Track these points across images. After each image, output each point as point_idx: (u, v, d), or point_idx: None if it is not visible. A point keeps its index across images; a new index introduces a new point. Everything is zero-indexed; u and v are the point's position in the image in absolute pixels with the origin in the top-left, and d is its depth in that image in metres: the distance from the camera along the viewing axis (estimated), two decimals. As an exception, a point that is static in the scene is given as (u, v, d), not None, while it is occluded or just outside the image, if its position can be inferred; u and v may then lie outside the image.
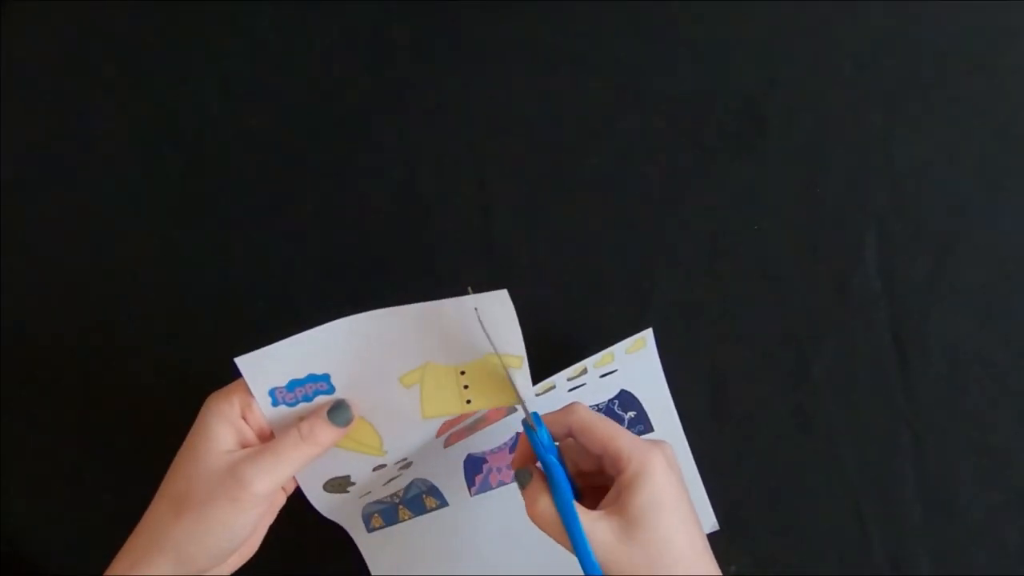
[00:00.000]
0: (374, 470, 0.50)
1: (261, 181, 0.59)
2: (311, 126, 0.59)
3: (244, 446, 0.46)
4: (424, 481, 0.55)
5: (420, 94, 0.59)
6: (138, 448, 0.59)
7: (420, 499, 0.55)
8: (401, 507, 0.55)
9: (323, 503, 0.51)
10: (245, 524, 0.44)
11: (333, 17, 0.60)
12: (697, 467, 0.56)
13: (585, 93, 0.58)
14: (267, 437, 0.47)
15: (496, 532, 0.56)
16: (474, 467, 0.55)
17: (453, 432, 0.52)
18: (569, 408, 0.46)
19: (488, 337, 0.46)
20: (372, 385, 0.47)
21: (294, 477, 0.48)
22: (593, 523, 0.43)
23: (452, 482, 0.55)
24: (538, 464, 0.46)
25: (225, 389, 0.47)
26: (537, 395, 0.50)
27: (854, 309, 0.56)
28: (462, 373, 0.47)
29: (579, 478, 0.47)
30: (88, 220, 0.60)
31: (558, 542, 0.44)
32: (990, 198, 0.56)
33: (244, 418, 0.46)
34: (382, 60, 0.59)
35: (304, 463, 0.45)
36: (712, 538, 0.55)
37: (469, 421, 0.51)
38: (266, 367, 0.45)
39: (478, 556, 0.56)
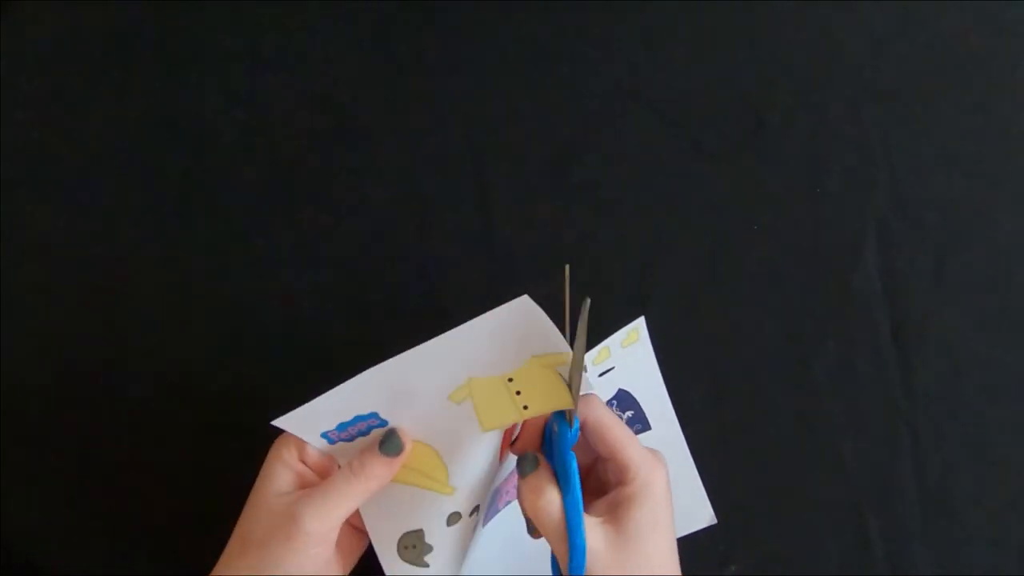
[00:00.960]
0: (448, 523, 0.47)
1: (261, 181, 0.59)
2: (311, 126, 0.59)
3: (304, 487, 0.46)
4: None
5: (420, 94, 0.59)
6: (138, 449, 0.59)
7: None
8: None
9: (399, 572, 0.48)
10: (303, 564, 0.44)
11: (333, 17, 0.60)
12: (697, 466, 0.56)
13: (585, 93, 0.58)
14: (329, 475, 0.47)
15: (494, 553, 0.53)
16: (492, 498, 0.52)
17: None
18: (586, 400, 0.45)
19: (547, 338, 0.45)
20: (422, 410, 0.46)
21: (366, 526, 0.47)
22: (589, 529, 0.42)
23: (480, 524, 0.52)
24: (541, 453, 0.45)
25: (285, 434, 0.47)
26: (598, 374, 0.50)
27: (854, 309, 0.56)
28: (510, 380, 0.45)
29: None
30: (88, 220, 0.60)
31: (547, 536, 0.43)
32: (990, 198, 0.56)
33: (303, 460, 0.47)
34: (382, 60, 0.59)
35: (360, 499, 0.44)
36: (712, 538, 0.55)
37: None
38: (308, 420, 0.45)
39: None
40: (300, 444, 0.46)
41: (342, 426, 0.46)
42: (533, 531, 0.45)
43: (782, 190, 0.57)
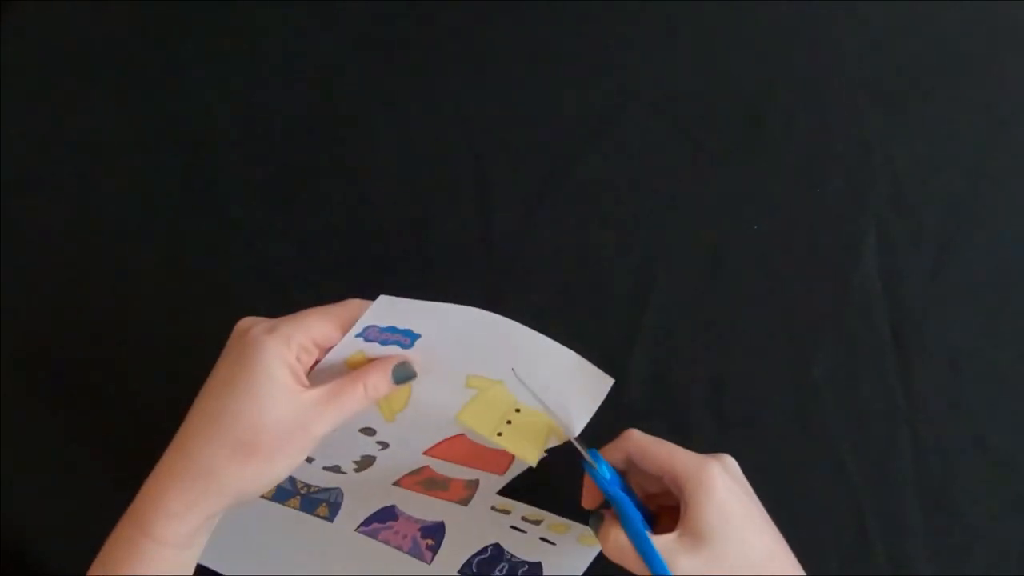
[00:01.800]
0: (360, 431, 0.49)
1: (261, 181, 0.59)
2: (311, 126, 0.59)
3: (293, 386, 0.44)
4: (340, 494, 0.54)
5: (420, 94, 0.59)
6: (139, 447, 0.59)
7: (317, 502, 0.54)
8: (301, 496, 0.54)
9: None
10: (294, 466, 0.44)
11: (333, 17, 0.60)
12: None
13: (585, 93, 0.58)
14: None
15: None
16: (384, 515, 0.55)
17: (410, 475, 0.52)
18: (624, 435, 0.47)
19: (550, 404, 0.47)
20: (443, 366, 0.47)
21: None
22: (667, 545, 0.42)
23: (356, 511, 0.54)
24: (607, 506, 0.46)
25: (278, 331, 0.44)
26: (494, 508, 0.53)
27: (854, 309, 0.56)
28: (517, 411, 0.48)
29: (649, 501, 0.47)
30: (88, 220, 0.60)
31: (633, 569, 0.44)
32: (990, 198, 0.56)
33: (298, 359, 0.45)
34: (382, 60, 0.59)
35: (358, 412, 0.45)
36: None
37: (436, 478, 0.52)
38: (390, 311, 0.45)
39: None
40: (302, 344, 0.44)
41: (394, 329, 0.46)
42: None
43: (782, 190, 0.57)
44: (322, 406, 0.43)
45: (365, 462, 0.52)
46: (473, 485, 0.53)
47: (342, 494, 0.54)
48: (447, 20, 0.59)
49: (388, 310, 0.45)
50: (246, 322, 0.46)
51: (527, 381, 0.47)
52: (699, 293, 0.57)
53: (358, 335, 0.46)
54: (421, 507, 0.54)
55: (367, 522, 0.55)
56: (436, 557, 0.55)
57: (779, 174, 0.57)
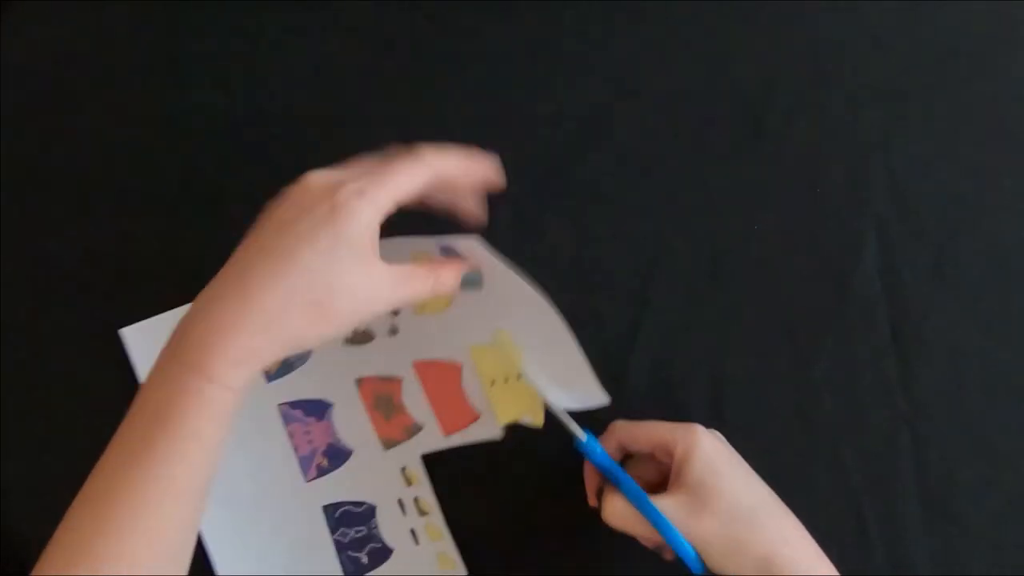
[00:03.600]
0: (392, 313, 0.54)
1: (261, 181, 0.59)
2: (311, 126, 0.59)
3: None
4: (305, 358, 0.56)
5: (420, 94, 0.59)
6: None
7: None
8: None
9: None
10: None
11: (333, 17, 0.60)
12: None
13: (585, 93, 0.58)
14: None
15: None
16: (314, 408, 0.56)
17: (378, 380, 0.55)
18: (610, 427, 0.51)
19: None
20: (485, 308, 0.52)
21: None
22: (661, 502, 0.46)
23: (299, 385, 0.56)
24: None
25: (368, 196, 0.43)
26: (403, 470, 0.55)
27: (854, 309, 0.56)
28: (517, 377, 0.53)
29: (647, 489, 0.49)
30: (88, 220, 0.60)
31: (638, 534, 0.47)
32: (990, 198, 0.56)
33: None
34: (382, 60, 0.59)
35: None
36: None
37: (394, 400, 0.55)
38: (469, 250, 0.49)
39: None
40: (385, 208, 0.44)
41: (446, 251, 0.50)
42: (646, 542, 0.49)
43: (782, 190, 0.57)
44: (393, 285, 0.44)
45: (362, 337, 0.55)
46: (412, 431, 0.55)
47: (307, 359, 0.56)
48: (448, 20, 0.59)
49: (469, 249, 0.48)
50: (323, 177, 0.45)
51: (539, 361, 0.52)
52: (699, 293, 0.57)
53: (440, 245, 0.50)
54: (349, 425, 0.55)
55: (295, 404, 0.56)
56: (316, 481, 0.56)
57: (779, 174, 0.57)
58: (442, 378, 0.55)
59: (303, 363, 0.56)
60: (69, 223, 0.60)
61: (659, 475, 0.49)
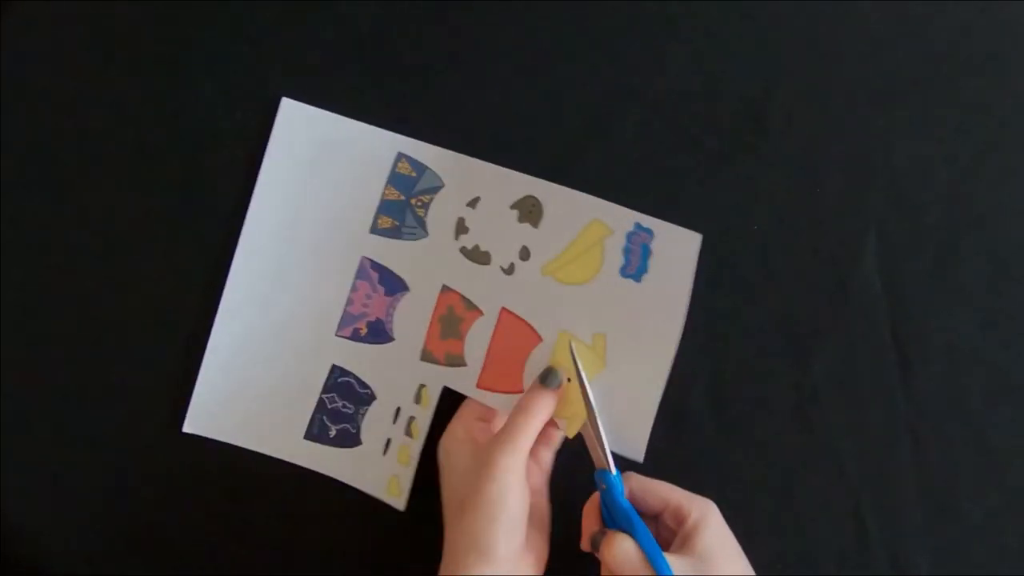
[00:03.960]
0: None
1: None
2: (311, 126, 0.59)
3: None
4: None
5: (420, 94, 0.59)
6: (140, 448, 0.59)
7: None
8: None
9: None
10: (503, 493, 0.48)
11: (333, 17, 0.60)
12: (697, 466, 0.56)
13: (585, 93, 0.58)
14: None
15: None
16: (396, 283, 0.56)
17: (462, 304, 0.55)
18: (625, 476, 0.52)
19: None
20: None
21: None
22: (671, 561, 0.47)
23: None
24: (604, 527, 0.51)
25: (446, 433, 0.54)
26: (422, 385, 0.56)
27: (854, 309, 0.56)
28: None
29: None
30: (88, 220, 0.60)
31: None
32: (990, 198, 0.56)
33: (472, 435, 0.53)
34: (382, 60, 0.59)
35: (537, 431, 0.50)
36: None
37: (463, 326, 0.55)
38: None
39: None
40: (463, 424, 0.53)
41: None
42: None
43: (782, 190, 0.57)
44: (496, 440, 0.50)
45: (480, 256, 0.55)
46: (453, 362, 0.55)
47: (418, 235, 0.56)
48: (447, 20, 0.59)
49: (681, 248, 0.53)
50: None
51: (614, 385, 0.53)
52: (699, 293, 0.57)
53: (637, 224, 0.53)
54: (407, 317, 0.56)
55: (377, 266, 0.56)
56: (345, 340, 0.56)
57: (779, 174, 0.57)
58: (517, 338, 0.54)
59: (412, 239, 0.56)
60: (69, 223, 0.60)
61: (651, 530, 0.51)
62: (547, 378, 0.52)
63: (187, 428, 0.57)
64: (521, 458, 0.49)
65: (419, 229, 0.56)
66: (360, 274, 0.56)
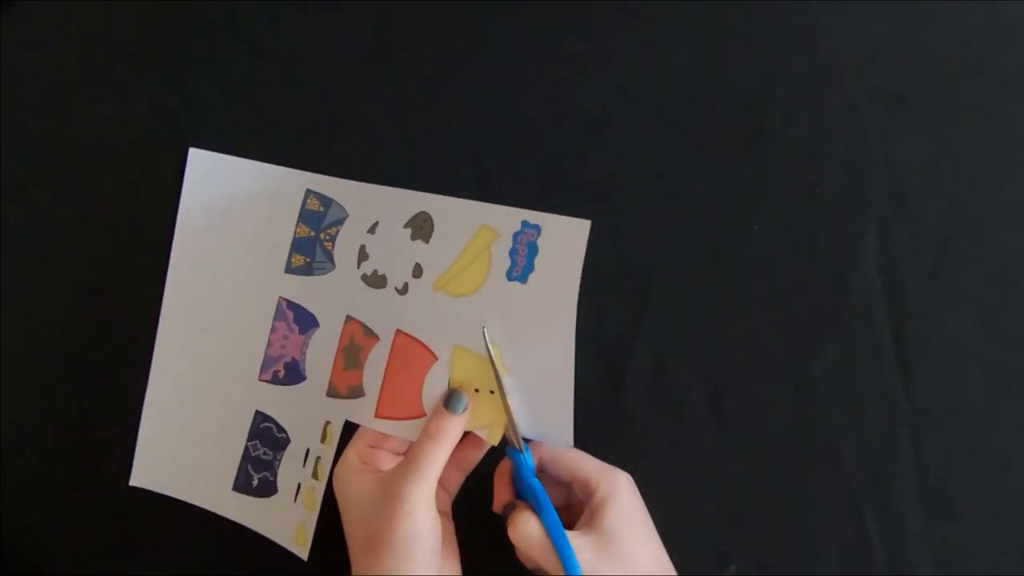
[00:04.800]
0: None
1: (261, 181, 0.59)
2: (311, 126, 0.59)
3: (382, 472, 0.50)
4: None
5: (420, 94, 0.59)
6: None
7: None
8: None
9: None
10: (416, 530, 0.46)
11: (333, 17, 0.60)
12: (697, 466, 0.56)
13: (585, 93, 0.58)
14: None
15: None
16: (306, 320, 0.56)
17: (362, 333, 0.54)
18: (536, 443, 0.51)
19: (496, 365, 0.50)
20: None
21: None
22: (574, 540, 0.46)
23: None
24: (516, 500, 0.50)
25: (339, 462, 0.51)
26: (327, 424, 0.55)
27: (854, 309, 0.56)
28: (490, 392, 0.50)
29: None
30: (88, 220, 0.60)
31: (538, 563, 0.47)
32: (990, 198, 0.56)
33: (366, 461, 0.51)
34: (382, 60, 0.59)
35: (445, 459, 0.48)
36: (712, 538, 0.55)
37: (361, 355, 0.54)
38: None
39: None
40: (356, 451, 0.51)
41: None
42: (530, 563, 0.49)
43: (782, 190, 0.57)
44: (400, 472, 0.48)
45: (377, 280, 0.54)
46: (353, 393, 0.54)
47: (327, 270, 0.55)
48: (448, 20, 0.59)
49: (569, 237, 0.49)
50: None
51: (522, 383, 0.50)
52: (699, 293, 0.57)
53: (524, 222, 0.50)
54: (317, 353, 0.55)
55: (292, 305, 0.56)
56: (265, 385, 0.56)
57: (779, 174, 0.57)
58: (412, 360, 0.53)
59: (322, 274, 0.55)
60: (69, 223, 0.60)
61: (562, 500, 0.50)
62: (451, 402, 0.50)
63: (133, 482, 0.57)
64: (430, 489, 0.47)
65: (327, 263, 0.55)
66: (277, 314, 0.56)
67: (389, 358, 0.53)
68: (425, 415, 0.51)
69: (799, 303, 0.56)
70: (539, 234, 0.50)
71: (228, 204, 0.56)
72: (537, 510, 0.48)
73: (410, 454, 0.48)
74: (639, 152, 0.58)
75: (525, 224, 0.50)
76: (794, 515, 0.56)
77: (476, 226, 0.52)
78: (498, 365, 0.50)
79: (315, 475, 0.54)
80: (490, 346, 0.50)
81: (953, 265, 0.56)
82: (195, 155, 0.57)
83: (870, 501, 0.55)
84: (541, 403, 0.50)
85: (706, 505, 0.56)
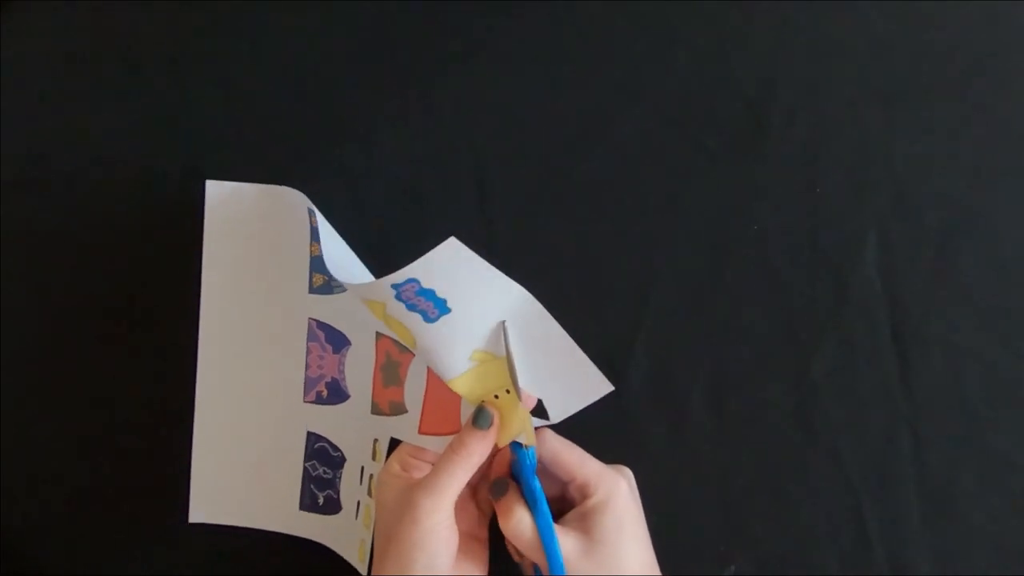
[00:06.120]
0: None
1: (261, 181, 0.59)
2: (311, 126, 0.59)
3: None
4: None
5: (420, 94, 0.59)
6: (140, 448, 0.59)
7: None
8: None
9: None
10: (427, 542, 0.47)
11: (333, 17, 0.60)
12: (697, 466, 0.56)
13: (585, 93, 0.58)
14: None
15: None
16: (336, 338, 0.55)
17: (398, 349, 0.53)
18: (539, 435, 0.50)
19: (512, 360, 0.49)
20: (457, 339, 0.48)
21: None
22: (562, 537, 0.46)
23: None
24: (510, 479, 0.49)
25: (384, 466, 0.52)
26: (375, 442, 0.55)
27: (854, 309, 0.56)
28: (507, 391, 0.49)
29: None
30: (88, 220, 0.60)
31: (525, 554, 0.47)
32: (990, 198, 0.56)
33: (406, 469, 0.51)
34: (382, 60, 0.59)
35: (469, 474, 0.48)
36: (712, 538, 0.55)
37: (400, 373, 0.53)
38: (448, 262, 0.45)
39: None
40: (399, 459, 0.51)
41: (431, 295, 0.46)
42: (516, 555, 0.50)
43: (782, 190, 0.57)
44: (422, 484, 0.48)
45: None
46: (396, 410, 0.54)
47: (345, 288, 0.53)
48: (447, 20, 0.59)
49: (447, 259, 0.44)
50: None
51: (531, 364, 0.49)
52: (699, 293, 0.57)
53: (395, 285, 0.45)
54: (355, 370, 0.55)
55: (322, 325, 0.56)
56: (311, 406, 0.56)
57: (779, 174, 0.57)
58: (442, 395, 0.52)
59: (341, 291, 0.54)
60: (69, 223, 0.60)
61: (557, 493, 0.50)
62: (478, 418, 0.49)
63: (193, 519, 0.57)
64: (445, 501, 0.47)
65: (340, 282, 0.53)
66: (310, 336, 0.56)
67: (429, 373, 0.52)
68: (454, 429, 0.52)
69: (799, 303, 0.56)
70: (419, 282, 0.46)
71: (249, 230, 0.56)
72: (532, 508, 0.47)
73: (435, 467, 0.48)
74: (639, 152, 0.58)
75: (395, 286, 0.46)
76: (794, 515, 0.56)
77: (363, 304, 0.50)
78: (495, 366, 0.50)
79: (370, 492, 0.55)
80: (508, 340, 0.49)
81: (953, 265, 0.56)
82: (212, 186, 0.57)
83: (870, 501, 0.55)
84: (558, 369, 0.50)
85: (706, 505, 0.56)
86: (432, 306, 0.46)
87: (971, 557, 0.54)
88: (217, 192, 0.57)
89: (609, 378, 0.54)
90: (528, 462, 0.49)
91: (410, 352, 0.52)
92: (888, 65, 0.57)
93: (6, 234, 0.60)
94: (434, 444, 0.52)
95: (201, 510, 0.57)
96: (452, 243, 0.44)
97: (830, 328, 0.56)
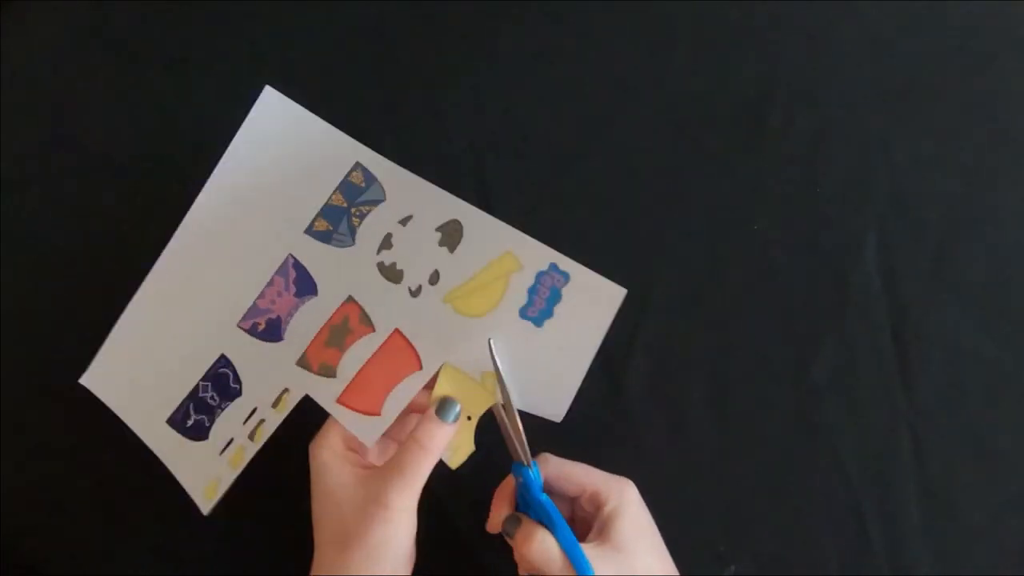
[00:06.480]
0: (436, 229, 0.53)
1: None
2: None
3: (364, 467, 0.50)
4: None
5: (420, 94, 0.59)
6: (139, 448, 0.59)
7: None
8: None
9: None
10: (400, 539, 0.47)
11: (333, 17, 0.60)
12: (697, 467, 0.56)
13: (585, 93, 0.58)
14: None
15: None
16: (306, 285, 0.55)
17: (357, 319, 0.53)
18: (541, 458, 0.50)
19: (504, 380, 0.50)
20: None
21: None
22: (588, 553, 0.46)
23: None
24: (519, 512, 0.49)
25: (322, 437, 0.51)
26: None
27: (854, 309, 0.56)
28: (468, 419, 0.50)
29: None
30: (88, 220, 0.60)
31: (555, 573, 0.46)
32: (990, 198, 0.56)
33: (352, 448, 0.50)
34: (382, 60, 0.59)
35: (430, 468, 0.48)
36: (712, 538, 0.55)
37: (352, 336, 0.53)
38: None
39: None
40: (344, 435, 0.50)
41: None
42: None
43: (782, 190, 0.57)
44: (388, 478, 0.47)
45: (393, 274, 0.53)
46: (323, 372, 0.53)
47: (348, 243, 0.55)
48: (447, 20, 0.59)
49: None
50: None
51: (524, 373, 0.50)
52: (699, 293, 0.57)
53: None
54: (304, 321, 0.54)
55: (297, 266, 0.55)
56: (241, 332, 0.55)
57: (779, 174, 0.57)
58: (397, 362, 0.52)
59: (340, 246, 0.54)
60: (69, 223, 0.60)
61: (567, 514, 0.50)
62: (443, 411, 0.49)
63: (83, 380, 0.56)
64: (416, 496, 0.47)
65: (348, 237, 0.54)
66: (280, 270, 0.55)
67: (376, 352, 0.52)
68: (380, 416, 0.51)
69: (799, 303, 0.56)
70: (566, 282, 0.50)
71: (279, 150, 0.56)
72: (549, 526, 0.47)
73: (399, 459, 0.48)
74: (639, 152, 0.58)
75: (554, 267, 0.50)
76: (794, 515, 0.56)
77: (502, 250, 0.52)
78: (487, 392, 0.50)
79: (252, 436, 0.54)
80: (496, 359, 0.50)
81: (953, 265, 0.56)
82: (268, 93, 0.56)
83: (870, 501, 0.55)
84: (547, 378, 0.50)
85: (706, 505, 0.56)
86: (540, 309, 0.49)
87: (971, 557, 0.54)
88: (271, 100, 0.56)
89: (609, 378, 0.55)
90: (534, 478, 0.49)
91: (371, 327, 0.53)
92: (888, 65, 0.57)
93: (6, 234, 0.60)
94: (343, 416, 0.51)
95: (95, 378, 0.56)
96: (618, 293, 0.48)
97: (830, 328, 0.56)
